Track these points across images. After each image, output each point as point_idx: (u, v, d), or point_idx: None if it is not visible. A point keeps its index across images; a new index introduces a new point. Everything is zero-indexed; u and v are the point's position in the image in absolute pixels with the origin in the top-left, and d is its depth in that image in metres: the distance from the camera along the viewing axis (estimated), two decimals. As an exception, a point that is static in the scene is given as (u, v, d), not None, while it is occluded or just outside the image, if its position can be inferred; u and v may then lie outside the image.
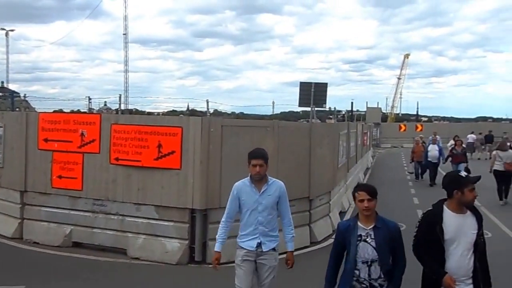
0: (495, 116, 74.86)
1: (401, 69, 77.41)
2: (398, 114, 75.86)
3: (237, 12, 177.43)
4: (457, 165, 15.70)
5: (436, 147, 16.96)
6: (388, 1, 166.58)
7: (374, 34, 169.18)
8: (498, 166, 13.08)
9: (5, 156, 8.71)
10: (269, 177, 4.50)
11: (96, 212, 7.83)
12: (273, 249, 4.45)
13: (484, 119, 64.81)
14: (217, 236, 4.52)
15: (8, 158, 8.64)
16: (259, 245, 4.37)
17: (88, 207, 7.89)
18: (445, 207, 3.68)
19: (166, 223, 7.37)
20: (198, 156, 7.18)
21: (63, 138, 8.03)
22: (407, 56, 78.19)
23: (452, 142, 19.49)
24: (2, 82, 70.19)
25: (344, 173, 12.56)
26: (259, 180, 4.43)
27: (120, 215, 7.67)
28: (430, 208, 3.81)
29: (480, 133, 30.45)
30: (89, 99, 20.35)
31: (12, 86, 68.44)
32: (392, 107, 75.40)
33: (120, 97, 11.67)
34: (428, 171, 17.24)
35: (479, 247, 3.61)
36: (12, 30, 74.33)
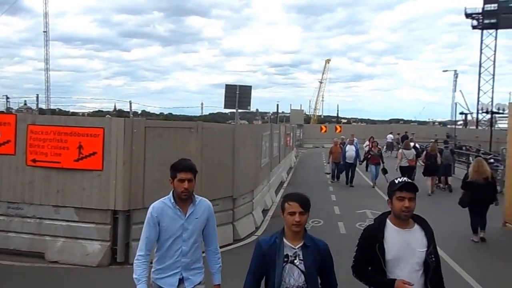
0: (405, 118, 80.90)
1: (323, 74, 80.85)
2: (320, 116, 79.10)
3: (165, 13, 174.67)
4: (375, 166, 16.54)
5: (353, 147, 17.21)
6: (311, 9, 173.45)
7: (298, 39, 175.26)
8: (403, 163, 15.65)
9: None
10: (195, 196, 3.64)
11: (11, 216, 7.51)
12: (200, 283, 3.65)
13: (397, 121, 69.73)
14: (137, 276, 3.39)
15: None
16: (181, 281, 3.53)
17: (1, 211, 7.55)
18: (388, 221, 3.14)
19: (87, 225, 7.26)
20: (121, 157, 7.16)
21: (-27, 138, 7.59)
22: (328, 61, 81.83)
23: (367, 143, 20.71)
24: None
25: (267, 173, 13.00)
26: (185, 199, 3.54)
27: (38, 218, 7.42)
28: (371, 223, 3.29)
29: (398, 134, 32.57)
30: (7, 98, 19.06)
31: None
32: (315, 109, 78.48)
33: (37, 97, 11.14)
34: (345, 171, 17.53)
35: (429, 267, 3.03)
36: None
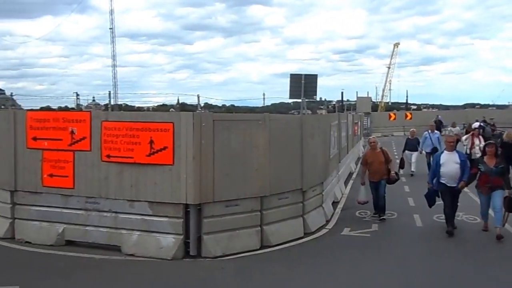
0: (482, 103, 75.86)
1: (391, 58, 77.86)
2: (388, 103, 76.44)
3: (227, 4, 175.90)
4: (486, 195, 8.46)
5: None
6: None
7: (363, 23, 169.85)
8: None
9: (-7, 155, 8.59)
10: None
11: (89, 210, 7.76)
12: None
13: (472, 105, 65.47)
14: None
15: (-3, 158, 8.52)
16: None
17: (80, 205, 7.81)
18: None
19: (160, 218, 7.35)
20: (191, 151, 7.15)
21: (53, 136, 7.93)
22: (396, 45, 78.68)
23: (465, 137, 15.22)
24: (-14, 80, 69.47)
25: (336, 164, 12.61)
26: None
27: (114, 212, 7.61)
28: None
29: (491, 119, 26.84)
30: (77, 95, 20.15)
31: (-3, 83, 67.74)
32: (382, 96, 75.98)
33: (110, 94, 11.56)
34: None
35: None
36: (-5, 27, 73.18)
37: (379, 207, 9.96)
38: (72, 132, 7.80)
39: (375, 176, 10.02)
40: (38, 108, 13.28)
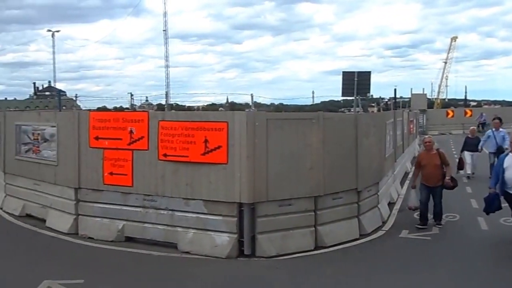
0: (551, 98, 70.84)
1: (448, 53, 74.74)
2: (444, 99, 73.42)
3: (276, 2, 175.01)
4: None
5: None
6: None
7: (417, 17, 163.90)
8: None
9: (59, 154, 9.07)
10: None
11: (147, 208, 7.99)
12: None
13: (540, 101, 61.40)
14: None
15: (62, 157, 8.98)
16: None
17: (139, 203, 8.07)
18: None
19: (215, 217, 7.44)
20: (245, 150, 7.18)
21: (113, 135, 8.23)
22: (454, 39, 75.41)
23: None
24: (50, 82, 73.93)
25: (392, 163, 12.23)
26: None
27: (170, 210, 7.80)
28: None
29: None
30: (131, 95, 20.86)
31: (59, 85, 71.89)
32: (438, 92, 73.13)
33: (166, 94, 11.85)
34: None
35: None
36: (57, 31, 77.42)
37: (435, 214, 9.29)
38: (131, 132, 8.06)
39: (429, 180, 9.22)
40: (95, 108, 13.85)
